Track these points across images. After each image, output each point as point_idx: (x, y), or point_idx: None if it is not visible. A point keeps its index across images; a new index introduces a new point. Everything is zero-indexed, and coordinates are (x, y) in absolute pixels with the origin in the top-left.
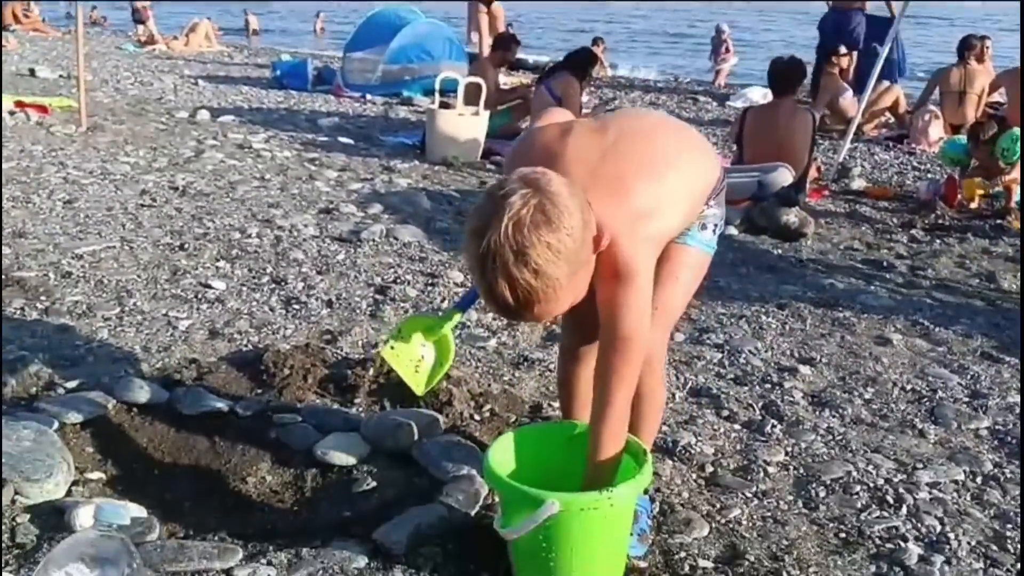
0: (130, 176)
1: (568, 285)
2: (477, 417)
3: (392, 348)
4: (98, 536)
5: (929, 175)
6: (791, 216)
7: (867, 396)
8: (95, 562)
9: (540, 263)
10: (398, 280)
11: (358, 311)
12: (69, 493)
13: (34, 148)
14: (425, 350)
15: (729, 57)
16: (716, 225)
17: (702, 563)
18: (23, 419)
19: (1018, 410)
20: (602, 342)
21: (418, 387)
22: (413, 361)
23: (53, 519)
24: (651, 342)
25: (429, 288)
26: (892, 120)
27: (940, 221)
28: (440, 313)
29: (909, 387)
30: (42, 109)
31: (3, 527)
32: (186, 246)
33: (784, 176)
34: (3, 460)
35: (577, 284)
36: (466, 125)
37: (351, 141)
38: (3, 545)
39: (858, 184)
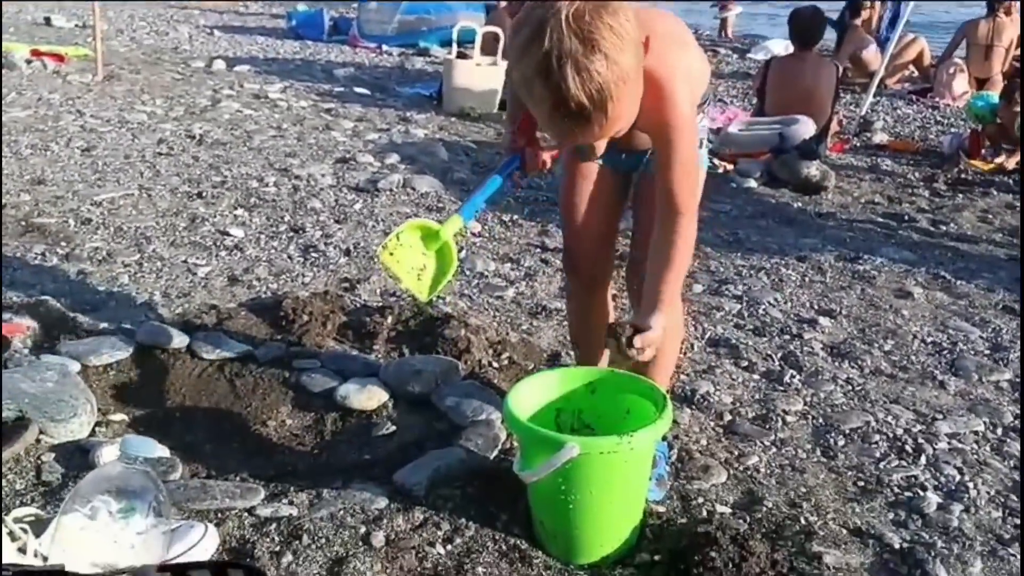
0: (147, 125)
1: (632, 81)
2: (496, 364)
3: (391, 254)
4: (124, 469)
5: (953, 129)
6: (812, 169)
7: (887, 348)
8: (122, 494)
9: (609, 48)
10: None
11: (376, 260)
12: (93, 433)
13: (51, 96)
14: (427, 259)
15: (732, 6)
16: (707, 138)
17: (720, 508)
18: (46, 361)
19: None
20: (662, 169)
21: (422, 293)
22: (415, 269)
23: (77, 458)
24: None
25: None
26: (916, 73)
27: (963, 176)
28: (440, 220)
29: (930, 339)
30: (58, 58)
31: (29, 465)
32: (204, 194)
33: (806, 128)
34: (27, 400)
35: (635, 89)
36: (483, 76)
37: (367, 92)
38: (29, 483)
39: (880, 138)
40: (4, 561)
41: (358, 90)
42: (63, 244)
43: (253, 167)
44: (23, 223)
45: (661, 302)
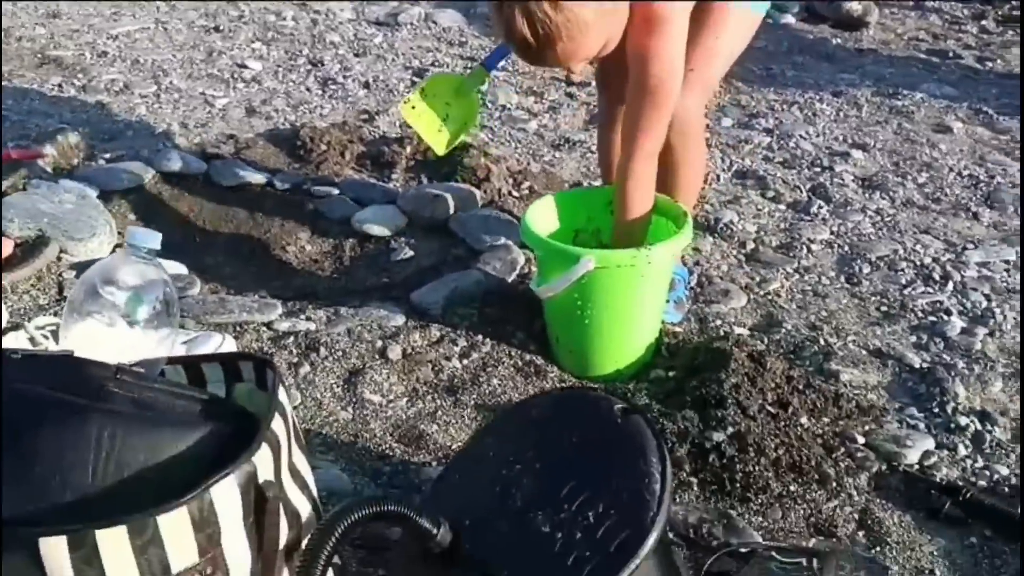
0: None
1: (595, 23)
2: (516, 193)
3: (413, 107)
4: (130, 259)
5: None
6: (854, 4)
7: (921, 180)
8: (126, 285)
9: None
10: (436, 63)
11: (395, 92)
12: (113, 252)
13: None
14: (449, 109)
15: None
16: None
17: (738, 330)
18: (64, 185)
19: None
20: (629, 94)
21: (439, 146)
22: (436, 122)
23: None
24: (686, 108)
25: (468, 71)
26: None
27: (1014, 12)
28: (467, 72)
29: (966, 172)
30: None
31: (51, 282)
32: (221, 28)
33: None
34: (46, 220)
35: (608, 24)
36: None
37: None
38: (52, 298)
39: None
40: None
41: None
42: (80, 76)
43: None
44: (39, 55)
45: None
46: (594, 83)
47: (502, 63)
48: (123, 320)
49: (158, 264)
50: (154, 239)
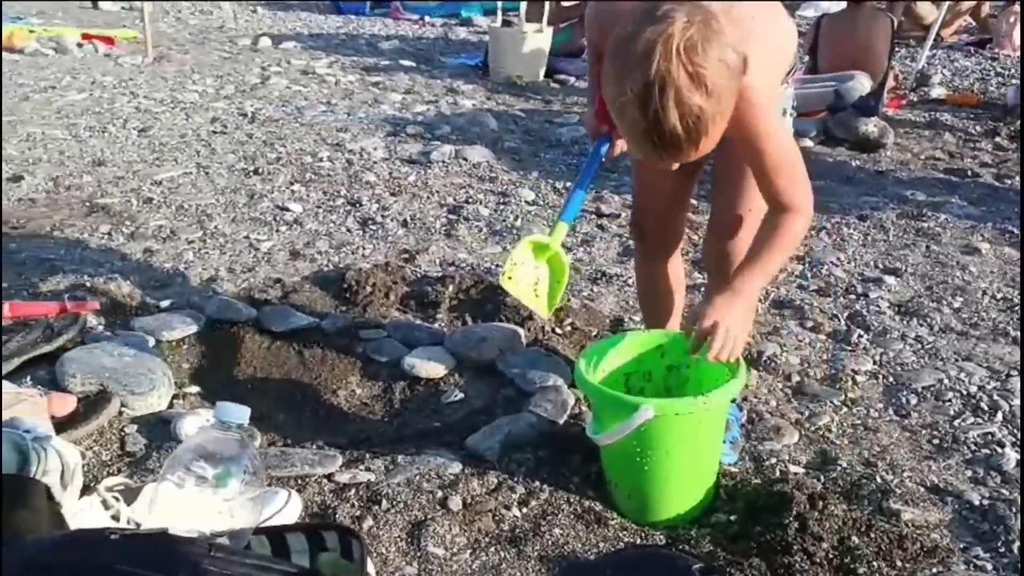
0: (199, 104)
1: (727, 112)
2: (558, 331)
3: (511, 278)
4: (217, 435)
5: (1014, 81)
6: (870, 126)
7: (956, 305)
8: (217, 460)
9: (714, 84)
10: (470, 200)
11: (433, 230)
12: (171, 405)
13: (104, 79)
14: (539, 271)
15: None
16: (792, 107)
17: (793, 468)
18: (123, 336)
19: None
20: (759, 174)
21: (542, 309)
22: (531, 285)
23: (159, 429)
24: (745, 247)
25: (501, 207)
26: (973, 25)
27: None
28: (548, 231)
29: (1000, 295)
30: (108, 41)
31: (113, 437)
32: (260, 171)
33: (862, 85)
34: (107, 375)
35: (727, 116)
36: (529, 43)
37: (413, 64)
38: (114, 454)
39: (938, 92)
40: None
41: (403, 62)
42: (127, 223)
43: (306, 142)
44: (87, 204)
45: (733, 292)
46: (623, 216)
47: (579, 211)
48: (205, 487)
49: (243, 437)
50: (243, 414)
